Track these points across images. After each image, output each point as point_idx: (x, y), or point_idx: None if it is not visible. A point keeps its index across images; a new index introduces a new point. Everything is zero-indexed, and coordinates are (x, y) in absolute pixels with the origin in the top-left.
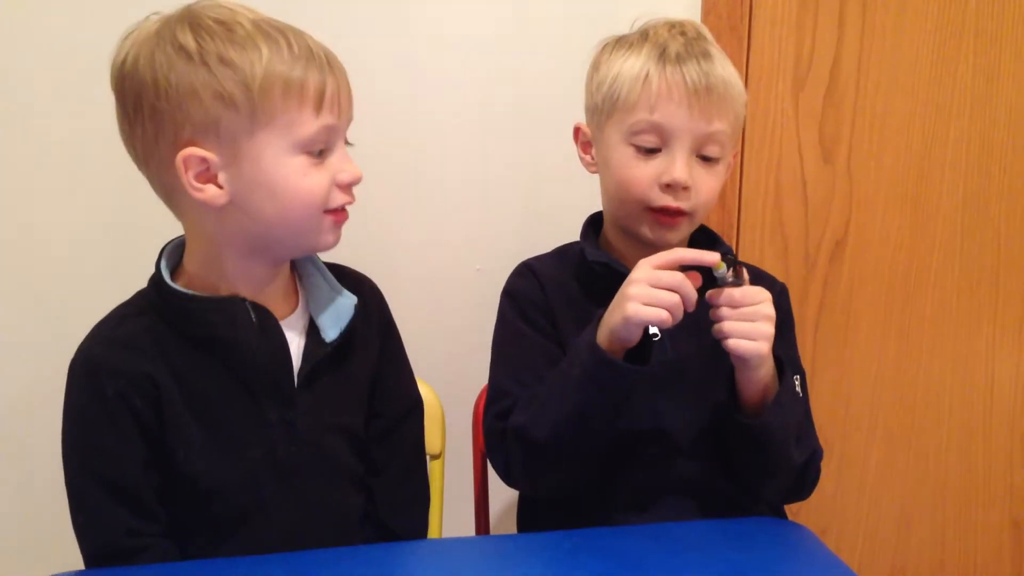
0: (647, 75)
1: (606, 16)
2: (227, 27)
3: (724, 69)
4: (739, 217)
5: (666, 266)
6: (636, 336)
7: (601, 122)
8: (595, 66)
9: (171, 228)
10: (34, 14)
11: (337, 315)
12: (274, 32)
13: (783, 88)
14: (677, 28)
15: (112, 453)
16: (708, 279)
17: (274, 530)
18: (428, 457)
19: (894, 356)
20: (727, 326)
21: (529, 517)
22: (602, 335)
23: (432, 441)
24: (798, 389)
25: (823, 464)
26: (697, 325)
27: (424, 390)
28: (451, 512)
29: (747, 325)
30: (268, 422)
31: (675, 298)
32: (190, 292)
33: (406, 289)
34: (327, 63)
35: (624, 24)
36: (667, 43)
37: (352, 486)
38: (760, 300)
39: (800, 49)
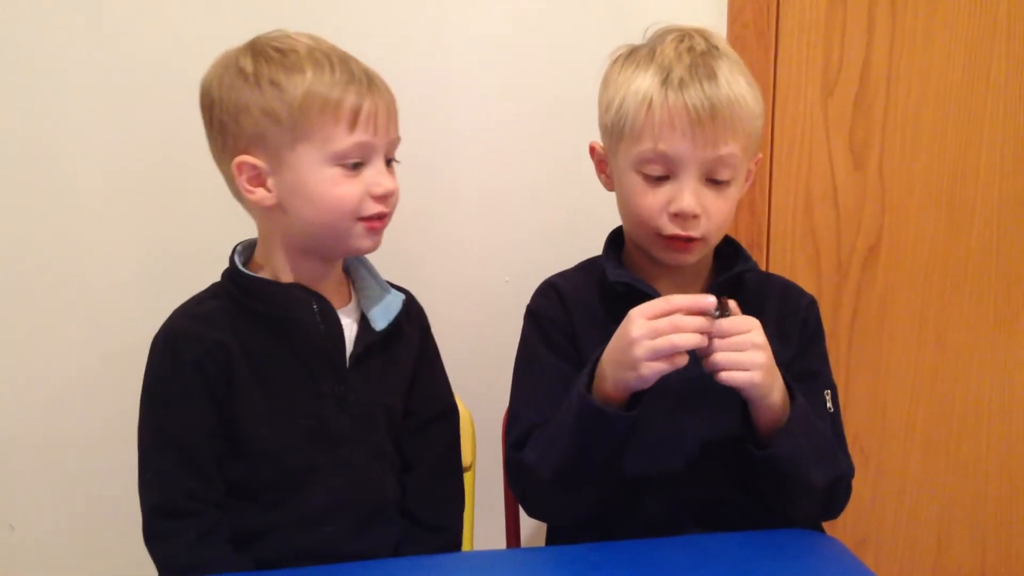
0: (650, 103)
1: (634, 25)
2: (283, 54)
3: (732, 87)
4: (769, 225)
5: (661, 315)
6: (651, 383)
7: (612, 144)
8: (605, 83)
9: (206, 237)
10: (89, 27)
11: (386, 308)
12: (322, 58)
13: (812, 94)
14: (686, 43)
15: (182, 417)
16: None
17: (320, 498)
18: None
19: (931, 363)
20: (718, 357)
21: (558, 531)
22: (607, 385)
23: (462, 452)
24: (829, 405)
25: (860, 473)
26: None
27: None
28: (482, 524)
29: (737, 355)
30: (321, 394)
31: (679, 338)
32: (260, 276)
33: (435, 300)
34: (367, 86)
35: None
36: (672, 65)
37: (390, 469)
38: (748, 329)
39: (829, 54)
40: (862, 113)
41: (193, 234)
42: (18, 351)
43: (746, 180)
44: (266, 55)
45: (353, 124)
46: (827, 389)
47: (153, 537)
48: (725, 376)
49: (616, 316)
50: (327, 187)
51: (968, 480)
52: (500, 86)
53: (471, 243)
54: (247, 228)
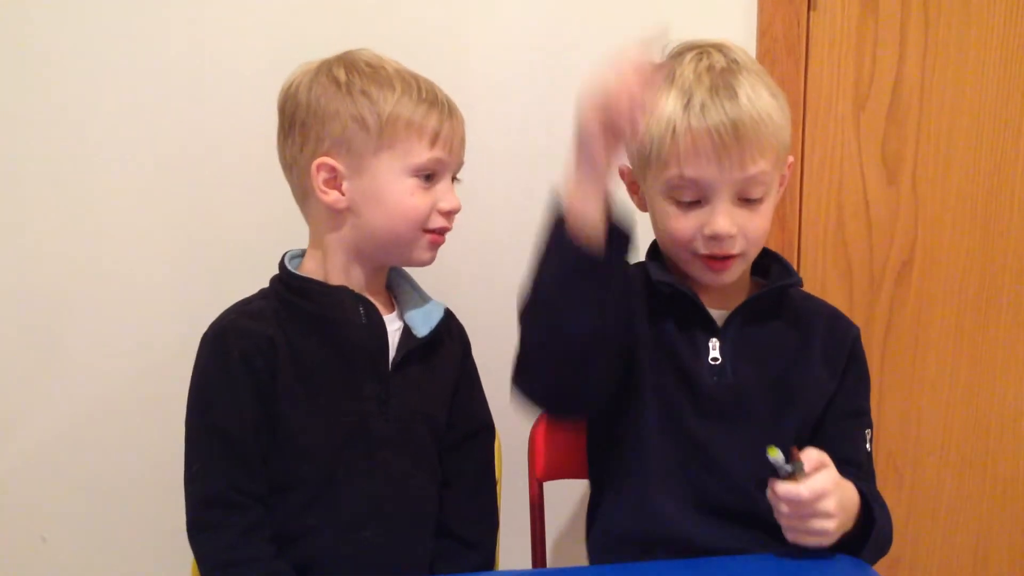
0: (673, 130)
1: (672, 42)
2: (374, 69)
3: (754, 104)
4: (800, 240)
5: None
6: (586, 133)
7: (640, 170)
8: None
9: (250, 245)
10: (128, 29)
11: (427, 316)
12: (410, 79)
13: (843, 108)
14: (704, 61)
15: (230, 409)
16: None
17: (359, 501)
18: None
19: (966, 380)
20: (785, 522)
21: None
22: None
23: None
24: (868, 446)
25: (894, 492)
26: (761, 354)
27: None
28: (508, 543)
29: (807, 525)
30: (363, 395)
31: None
32: (309, 277)
33: (464, 315)
34: (448, 111)
35: None
36: (692, 88)
37: (432, 480)
38: (823, 494)
39: (860, 67)
40: (895, 126)
41: (236, 243)
42: (50, 363)
43: (780, 185)
44: (358, 68)
45: (434, 142)
46: (868, 428)
47: (197, 528)
48: (790, 537)
49: (656, 317)
50: (403, 196)
51: (1006, 498)
52: (533, 98)
53: (503, 257)
54: (291, 235)
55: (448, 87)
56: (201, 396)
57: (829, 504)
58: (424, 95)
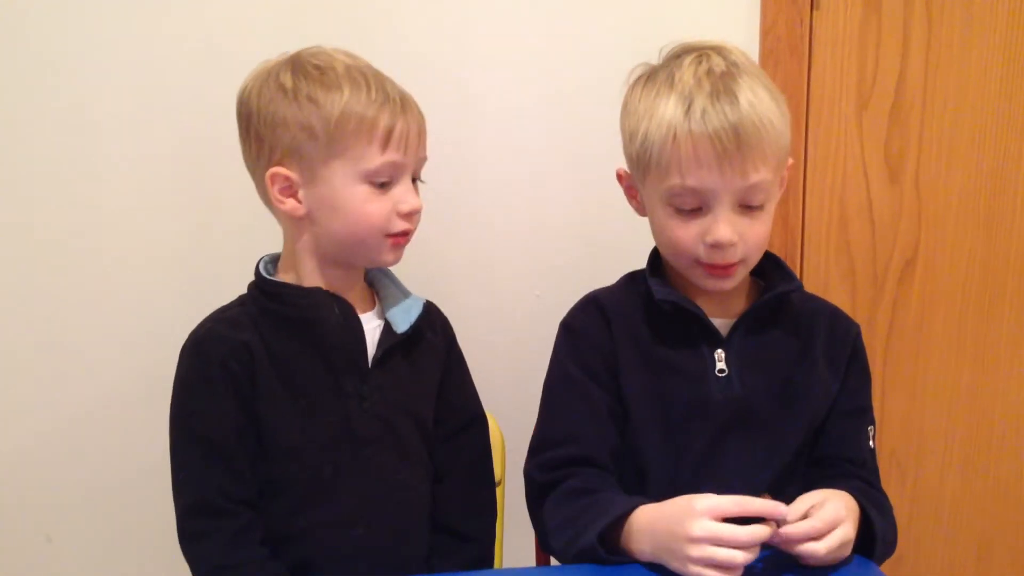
0: (674, 136)
1: (666, 40)
2: (321, 71)
3: (756, 109)
4: (803, 239)
5: (730, 515)
6: None
7: (640, 175)
8: (625, 110)
9: (239, 250)
10: (123, 34)
11: (407, 311)
12: (359, 77)
13: (846, 107)
14: (704, 65)
15: (212, 415)
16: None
17: (349, 499)
18: None
19: (969, 379)
20: (811, 561)
21: None
22: (636, 547)
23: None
24: (871, 443)
25: (897, 491)
26: (766, 361)
27: None
28: (512, 540)
29: (828, 558)
30: (344, 393)
31: (741, 556)
32: (284, 281)
33: (465, 315)
34: (400, 107)
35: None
36: (692, 94)
37: (422, 476)
38: (832, 527)
39: (863, 67)
40: (897, 125)
41: (238, 243)
42: (52, 364)
43: (780, 187)
44: (305, 71)
45: (386, 144)
46: (871, 425)
47: (188, 537)
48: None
49: (660, 336)
50: (357, 203)
51: (1008, 498)
52: (530, 99)
53: (501, 257)
54: (279, 240)
55: (448, 84)
56: (183, 405)
57: (847, 530)
58: (374, 94)
